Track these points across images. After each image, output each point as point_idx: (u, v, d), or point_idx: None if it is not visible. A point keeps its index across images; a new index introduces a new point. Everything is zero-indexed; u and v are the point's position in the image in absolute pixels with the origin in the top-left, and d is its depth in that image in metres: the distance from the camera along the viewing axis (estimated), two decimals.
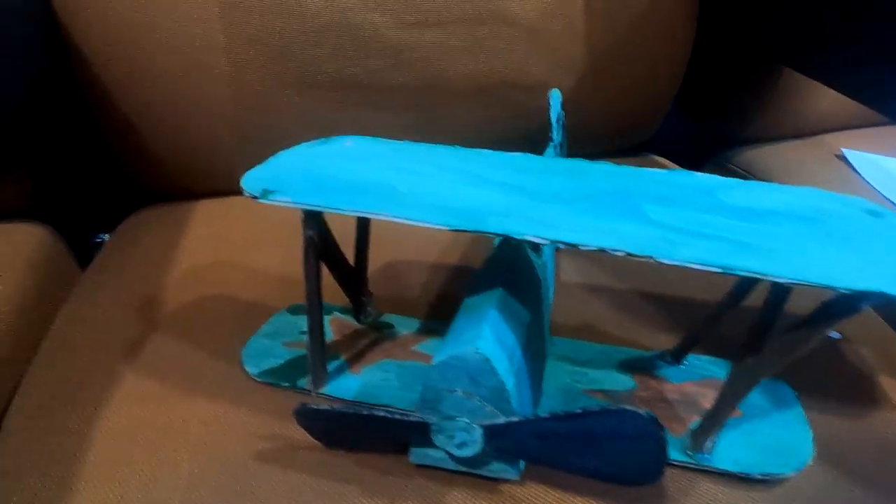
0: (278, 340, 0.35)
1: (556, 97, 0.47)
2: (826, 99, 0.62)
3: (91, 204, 0.57)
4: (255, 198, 0.27)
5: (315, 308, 0.30)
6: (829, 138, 0.65)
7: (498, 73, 0.51)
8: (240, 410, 0.31)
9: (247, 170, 0.52)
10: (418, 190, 0.27)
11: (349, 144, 0.33)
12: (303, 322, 0.37)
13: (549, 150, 0.45)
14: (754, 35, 0.52)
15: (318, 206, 0.26)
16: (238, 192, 0.51)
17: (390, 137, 0.42)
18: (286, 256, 0.43)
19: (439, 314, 0.38)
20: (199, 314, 0.38)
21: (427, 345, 0.35)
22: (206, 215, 0.50)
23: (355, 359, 0.34)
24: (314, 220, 0.29)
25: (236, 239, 0.46)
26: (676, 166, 0.59)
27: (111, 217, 0.59)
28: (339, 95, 0.49)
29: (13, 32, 0.37)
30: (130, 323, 0.37)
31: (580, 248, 0.23)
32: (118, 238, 0.48)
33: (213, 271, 0.42)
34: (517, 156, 0.31)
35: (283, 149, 0.51)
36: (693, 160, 0.65)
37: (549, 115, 0.45)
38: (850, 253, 0.23)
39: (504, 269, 0.31)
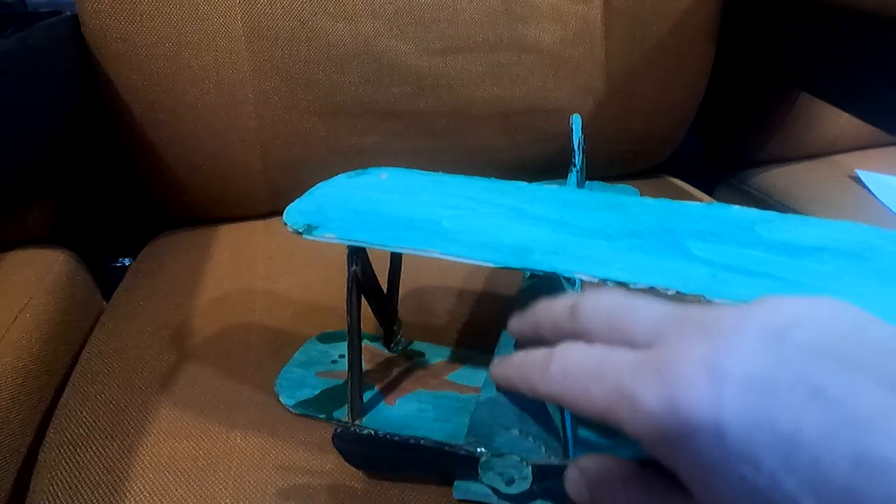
0: (311, 370, 0.35)
1: (577, 122, 0.47)
2: (839, 120, 0.62)
3: (110, 228, 0.57)
4: (300, 233, 0.27)
5: (356, 342, 0.30)
6: (843, 158, 0.66)
7: (520, 99, 0.51)
8: (277, 443, 0.31)
9: (271, 195, 0.52)
10: (463, 226, 0.27)
11: (384, 177, 0.33)
12: (334, 350, 0.37)
13: (572, 175, 0.45)
14: (771, 59, 0.52)
15: (366, 243, 0.26)
16: (260, 216, 0.52)
17: (415, 162, 0.42)
18: (310, 281, 0.43)
19: (468, 342, 0.38)
20: (228, 342, 0.38)
21: (459, 374, 0.35)
22: (229, 241, 0.50)
23: (389, 389, 0.34)
24: (359, 256, 0.29)
25: (260, 265, 0.46)
26: (692, 188, 0.59)
27: (129, 241, 0.59)
28: (363, 122, 0.49)
29: (51, 67, 0.37)
30: (161, 352, 0.37)
31: (631, 286, 0.23)
32: (141, 264, 0.48)
33: (240, 297, 0.42)
34: (554, 189, 0.31)
35: (306, 174, 0.51)
36: (708, 181, 0.65)
37: (570, 140, 0.46)
38: None
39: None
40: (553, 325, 0.21)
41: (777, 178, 0.62)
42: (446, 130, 0.52)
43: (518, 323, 0.23)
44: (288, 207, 0.29)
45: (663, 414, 0.15)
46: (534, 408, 0.24)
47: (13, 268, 0.45)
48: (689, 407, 0.15)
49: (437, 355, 0.37)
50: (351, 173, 0.33)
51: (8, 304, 0.41)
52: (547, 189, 0.31)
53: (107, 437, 0.31)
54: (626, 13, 0.50)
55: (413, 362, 0.36)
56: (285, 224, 0.28)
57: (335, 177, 0.32)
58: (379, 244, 0.26)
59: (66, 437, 0.32)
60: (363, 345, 0.37)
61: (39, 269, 0.46)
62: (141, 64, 0.43)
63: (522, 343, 0.26)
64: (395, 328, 0.36)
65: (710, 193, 0.60)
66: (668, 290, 0.23)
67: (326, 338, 0.38)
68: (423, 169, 0.45)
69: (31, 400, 0.38)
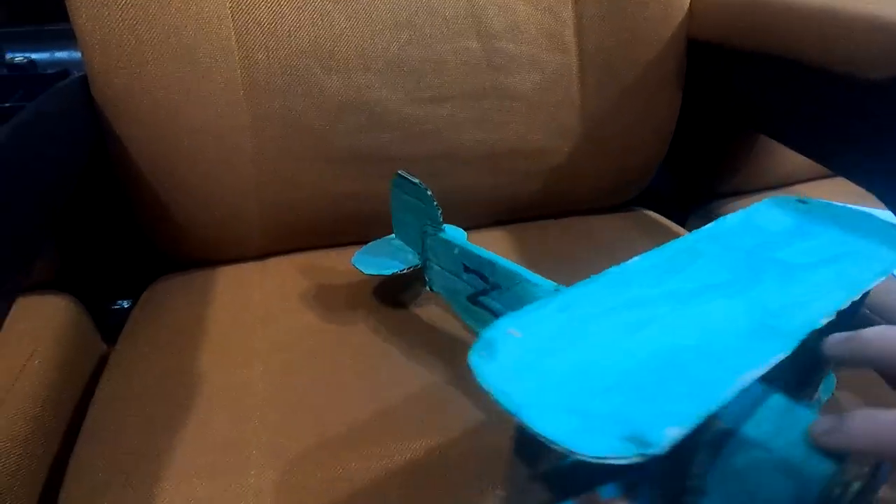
0: None
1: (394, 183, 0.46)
2: (796, 154, 0.67)
3: (109, 271, 0.58)
4: (639, 455, 0.18)
5: None
6: (801, 188, 0.70)
7: (502, 142, 0.55)
8: (290, 479, 0.33)
9: (266, 237, 0.54)
10: (700, 335, 0.24)
11: (518, 335, 0.24)
12: None
13: (453, 231, 0.44)
14: (730, 105, 0.57)
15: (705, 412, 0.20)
16: (255, 258, 0.54)
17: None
18: (307, 319, 0.46)
19: None
20: (235, 385, 0.40)
21: None
22: (227, 283, 0.51)
23: None
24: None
25: (258, 306, 0.48)
26: (666, 220, 0.63)
27: (126, 283, 0.60)
28: (355, 167, 0.52)
29: (64, 129, 0.39)
30: (170, 398, 0.39)
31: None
32: (143, 309, 0.50)
33: (242, 340, 0.44)
34: (639, 260, 0.30)
35: (300, 217, 0.53)
36: (678, 213, 0.69)
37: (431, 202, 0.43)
38: None
39: None
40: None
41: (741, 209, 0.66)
42: (434, 173, 0.54)
43: (838, 349, 0.24)
44: (534, 424, 0.19)
45: None
46: None
47: (18, 315, 0.46)
48: None
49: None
50: (478, 350, 0.23)
51: (15, 352, 0.42)
52: (639, 262, 0.29)
53: (125, 482, 0.33)
54: (599, 61, 0.54)
55: None
56: (590, 456, 0.18)
57: (471, 360, 0.22)
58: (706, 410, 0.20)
59: (84, 486, 0.33)
60: None
61: (44, 315, 0.47)
62: (146, 119, 0.45)
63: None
64: None
65: (680, 224, 0.64)
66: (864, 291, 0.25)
67: None
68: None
69: (42, 448, 0.39)
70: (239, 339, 0.44)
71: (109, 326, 0.56)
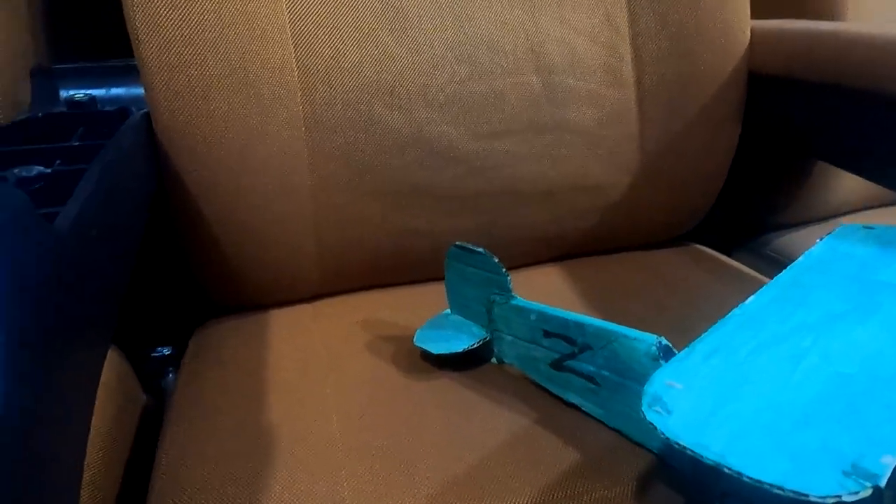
0: None
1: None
2: (846, 184, 0.67)
3: (149, 316, 0.55)
4: None
5: None
6: (850, 219, 0.70)
7: (562, 177, 0.53)
8: None
9: (321, 279, 0.51)
10: (859, 362, 0.24)
11: (679, 386, 0.24)
12: None
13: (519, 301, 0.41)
14: (791, 137, 0.56)
15: None
16: (306, 300, 0.51)
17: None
18: (374, 362, 0.44)
19: None
20: (314, 438, 0.37)
21: None
22: (283, 327, 0.49)
23: None
24: None
25: (321, 352, 0.45)
26: (720, 254, 0.62)
27: (164, 329, 0.57)
28: (415, 204, 0.50)
29: (138, 169, 0.37)
30: (248, 455, 0.36)
31: None
32: (196, 356, 0.47)
33: (312, 387, 0.41)
34: (759, 298, 0.30)
35: (358, 257, 0.51)
36: (727, 246, 0.68)
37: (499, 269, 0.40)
38: None
39: None
40: None
41: (794, 242, 0.66)
42: (493, 209, 0.53)
43: None
44: (748, 471, 0.19)
45: None
46: None
47: None
48: None
49: None
50: (649, 406, 0.23)
51: None
52: (756, 300, 0.30)
53: None
54: (659, 96, 0.54)
55: None
56: (822, 497, 0.18)
57: (649, 417, 0.23)
58: None
59: None
60: None
61: None
62: (208, 158, 0.43)
63: None
64: None
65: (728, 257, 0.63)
66: None
67: None
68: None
69: None
70: (308, 386, 0.41)
71: (147, 374, 0.52)
